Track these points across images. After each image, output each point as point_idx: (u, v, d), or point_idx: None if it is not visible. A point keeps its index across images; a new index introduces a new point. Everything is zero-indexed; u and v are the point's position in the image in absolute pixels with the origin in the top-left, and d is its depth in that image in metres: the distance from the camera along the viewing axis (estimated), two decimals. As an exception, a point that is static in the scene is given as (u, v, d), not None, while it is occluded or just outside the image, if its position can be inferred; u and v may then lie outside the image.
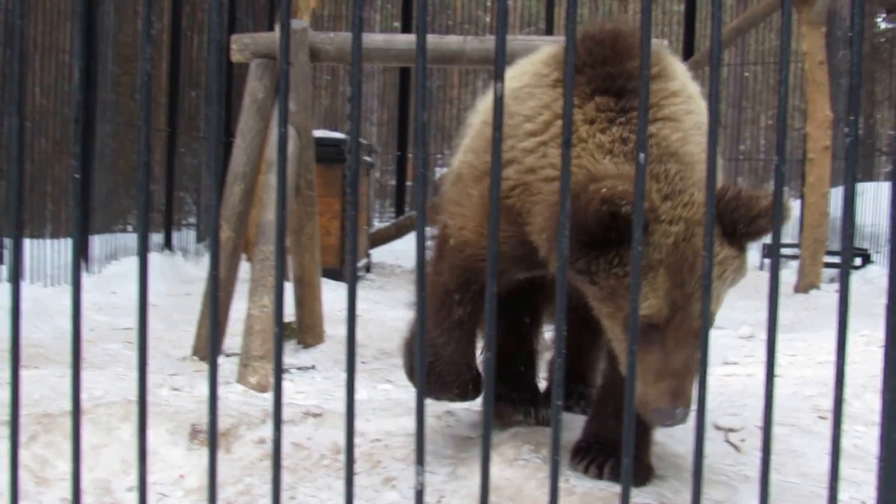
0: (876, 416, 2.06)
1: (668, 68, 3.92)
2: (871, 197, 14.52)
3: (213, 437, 2.06)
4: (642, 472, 3.86)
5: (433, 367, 4.22)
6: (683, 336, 3.35)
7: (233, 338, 6.56)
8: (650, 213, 3.27)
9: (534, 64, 4.04)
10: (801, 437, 4.76)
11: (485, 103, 4.26)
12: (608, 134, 3.58)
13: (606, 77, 3.66)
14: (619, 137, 3.57)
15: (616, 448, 3.72)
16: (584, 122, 3.64)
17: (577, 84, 3.66)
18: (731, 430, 5.00)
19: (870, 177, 16.03)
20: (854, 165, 2.00)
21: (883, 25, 15.81)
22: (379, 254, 14.14)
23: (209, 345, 2.06)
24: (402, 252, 14.47)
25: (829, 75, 11.96)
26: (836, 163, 12.83)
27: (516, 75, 4.03)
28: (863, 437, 4.93)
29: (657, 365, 3.33)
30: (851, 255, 2.03)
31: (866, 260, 14.26)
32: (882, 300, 1.99)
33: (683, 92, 3.88)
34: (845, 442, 4.76)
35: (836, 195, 13.18)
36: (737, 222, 3.35)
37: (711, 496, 3.95)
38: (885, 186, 14.41)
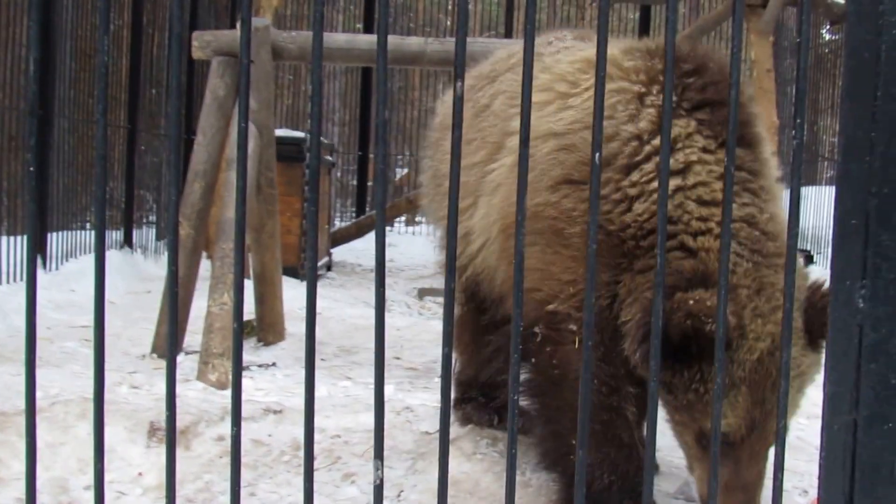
0: (817, 409, 2.12)
1: (762, 119, 3.64)
2: (814, 201, 15.06)
3: (171, 434, 2.08)
4: None
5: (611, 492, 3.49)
6: (758, 451, 3.25)
7: (193, 335, 6.55)
8: (735, 332, 3.12)
9: (628, 68, 3.58)
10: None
11: (556, 122, 3.64)
12: (738, 202, 3.28)
13: (742, 124, 3.31)
14: (748, 215, 3.30)
15: None
16: (719, 174, 3.32)
17: (710, 123, 3.39)
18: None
19: (813, 181, 16.46)
20: (800, 168, 2.05)
21: (827, 37, 16.11)
22: (340, 252, 14.15)
23: (168, 341, 2.08)
24: (362, 251, 14.49)
25: (776, 83, 12.17)
26: (781, 167, 13.09)
27: (582, 89, 3.59)
28: (805, 430, 5.04)
29: (728, 478, 3.20)
30: (795, 255, 2.08)
31: (809, 260, 14.72)
32: (826, 298, 2.05)
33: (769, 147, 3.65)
34: (788, 434, 4.86)
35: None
36: (824, 325, 3.15)
37: (663, 488, 4.02)
38: (827, 190, 14.80)
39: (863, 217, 1.99)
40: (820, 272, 13.34)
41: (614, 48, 3.64)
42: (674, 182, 3.32)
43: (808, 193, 15.34)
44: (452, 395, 4.60)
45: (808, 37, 2.04)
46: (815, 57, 15.95)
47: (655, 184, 3.28)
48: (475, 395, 4.77)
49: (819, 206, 14.93)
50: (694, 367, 3.15)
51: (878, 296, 1.98)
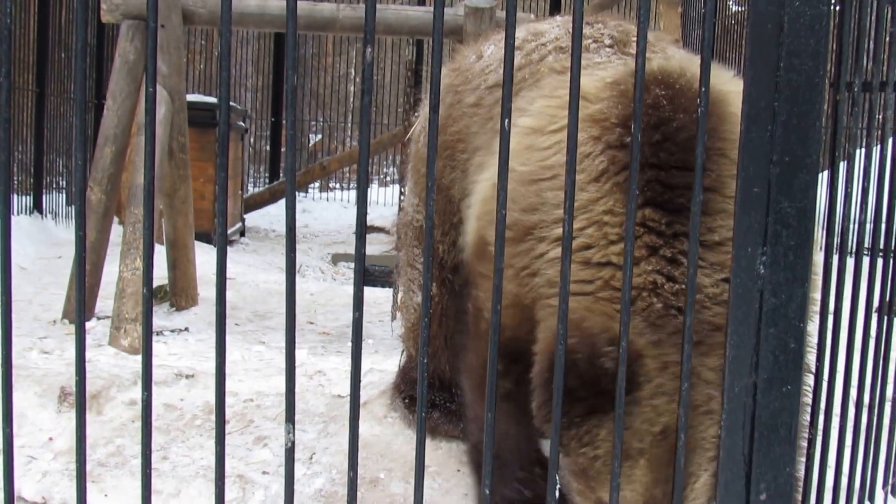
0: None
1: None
2: None
3: (80, 398, 2.08)
4: None
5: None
6: None
7: (105, 301, 6.50)
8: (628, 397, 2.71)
9: (589, 115, 3.10)
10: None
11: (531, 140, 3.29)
12: (640, 269, 2.83)
13: (664, 185, 2.88)
14: (650, 283, 2.82)
15: None
16: (620, 237, 2.91)
17: (626, 185, 2.89)
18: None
19: None
20: (703, 136, 2.11)
21: (734, 8, 16.33)
22: (253, 218, 14.09)
23: (77, 306, 2.08)
24: (276, 217, 14.45)
25: (684, 54, 12.36)
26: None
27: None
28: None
29: None
30: (700, 221, 2.13)
31: None
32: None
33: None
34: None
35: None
36: None
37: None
38: None
39: (764, 185, 2.05)
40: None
41: (597, 76, 3.26)
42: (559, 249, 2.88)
43: None
44: (406, 394, 4.45)
45: (714, 8, 2.10)
46: (721, 28, 16.17)
47: (551, 254, 3.02)
48: (441, 400, 4.34)
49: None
50: (583, 426, 2.85)
51: (778, 262, 2.05)
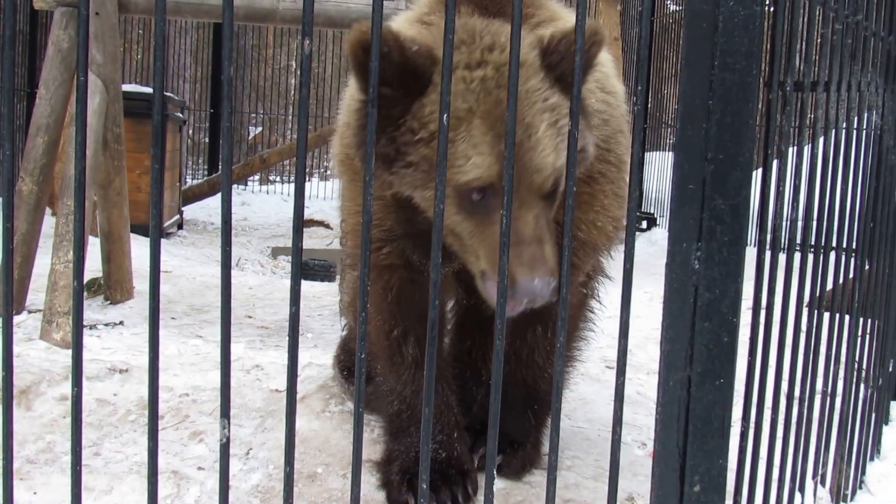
0: (656, 365, 2.19)
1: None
2: (658, 166, 15.74)
3: (7, 393, 2.05)
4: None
5: (400, 418, 3.60)
6: (525, 194, 2.74)
7: (37, 293, 6.40)
8: (428, 62, 2.76)
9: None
10: (590, 384, 5.00)
11: None
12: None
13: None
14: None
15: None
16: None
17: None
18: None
19: (658, 147, 16.98)
20: (640, 133, 2.12)
21: (672, 7, 16.50)
22: (192, 210, 13.97)
23: (4, 299, 2.05)
24: (214, 209, 14.35)
25: (623, 52, 12.50)
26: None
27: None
28: (645, 385, 5.25)
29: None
30: (637, 217, 2.15)
31: (652, 223, 15.41)
32: (664, 260, 2.13)
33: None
34: (629, 389, 5.04)
35: (626, 162, 13.98)
36: (564, 65, 2.79)
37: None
38: (671, 156, 15.44)
39: (699, 182, 2.07)
40: (662, 235, 13.90)
41: None
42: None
43: (654, 159, 16.04)
44: (344, 364, 4.53)
45: (651, 6, 2.11)
46: (660, 27, 16.37)
47: None
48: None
49: (663, 171, 15.54)
50: (405, 113, 2.82)
51: (712, 258, 2.07)
